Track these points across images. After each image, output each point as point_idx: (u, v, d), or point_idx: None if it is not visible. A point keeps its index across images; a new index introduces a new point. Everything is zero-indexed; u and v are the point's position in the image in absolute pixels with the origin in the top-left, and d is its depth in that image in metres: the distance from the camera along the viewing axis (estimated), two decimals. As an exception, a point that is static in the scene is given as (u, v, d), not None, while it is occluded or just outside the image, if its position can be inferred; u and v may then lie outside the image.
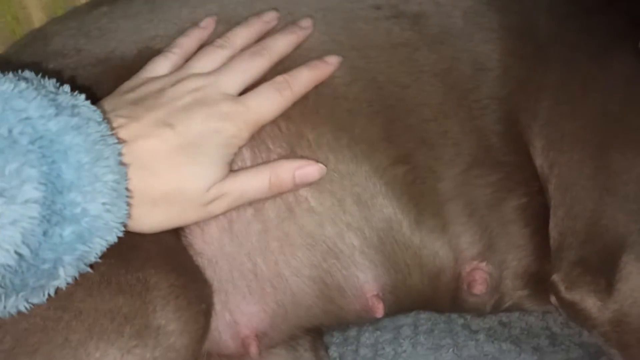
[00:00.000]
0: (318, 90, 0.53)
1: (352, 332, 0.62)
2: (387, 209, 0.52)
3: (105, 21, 0.57)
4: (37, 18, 0.70)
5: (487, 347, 0.58)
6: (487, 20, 0.57)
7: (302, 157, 0.52)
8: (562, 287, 0.51)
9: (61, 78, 0.51)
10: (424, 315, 0.62)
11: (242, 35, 0.53)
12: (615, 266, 0.49)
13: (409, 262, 0.53)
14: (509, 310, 0.58)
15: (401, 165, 0.53)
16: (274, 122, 0.51)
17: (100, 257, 0.40)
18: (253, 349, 0.52)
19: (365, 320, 0.57)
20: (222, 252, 0.51)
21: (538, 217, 0.54)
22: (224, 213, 0.48)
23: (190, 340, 0.44)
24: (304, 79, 0.51)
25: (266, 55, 0.51)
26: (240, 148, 0.49)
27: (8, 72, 0.53)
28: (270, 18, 0.54)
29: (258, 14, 0.55)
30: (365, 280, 0.53)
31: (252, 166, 0.50)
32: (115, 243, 0.41)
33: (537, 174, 0.55)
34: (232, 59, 0.51)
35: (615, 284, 0.48)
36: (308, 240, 0.52)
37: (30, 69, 0.53)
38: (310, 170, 0.50)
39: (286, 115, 0.51)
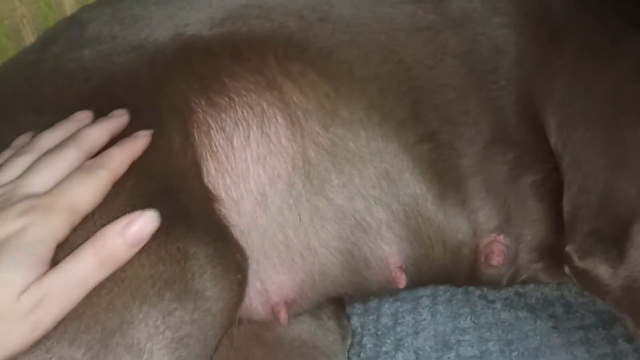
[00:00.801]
0: (352, 71, 0.55)
1: (373, 303, 0.65)
2: (414, 184, 0.55)
3: (138, 9, 0.59)
4: (69, 5, 0.73)
5: (503, 314, 0.60)
6: (504, 5, 0.60)
7: (335, 134, 0.53)
8: (575, 257, 0.53)
9: (95, 63, 0.54)
10: (442, 287, 0.64)
11: (48, 138, 0.48)
12: (626, 236, 0.51)
13: (432, 236, 0.55)
14: (524, 282, 0.61)
15: (427, 142, 0.55)
16: (310, 98, 0.54)
17: None
18: (282, 316, 0.54)
19: (387, 291, 0.60)
20: (255, 224, 0.53)
21: (553, 193, 0.56)
22: (58, 319, 0.41)
23: (225, 306, 0.46)
24: (116, 156, 0.47)
25: (72, 145, 0.46)
26: (59, 242, 0.42)
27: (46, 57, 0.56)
28: (81, 117, 0.50)
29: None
30: (390, 253, 0.55)
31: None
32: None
33: (551, 152, 0.58)
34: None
35: (626, 252, 0.50)
36: (337, 213, 0.54)
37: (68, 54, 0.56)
38: (141, 224, 0.43)
39: (323, 92, 0.53)
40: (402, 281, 0.55)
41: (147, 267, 0.43)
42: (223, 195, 0.52)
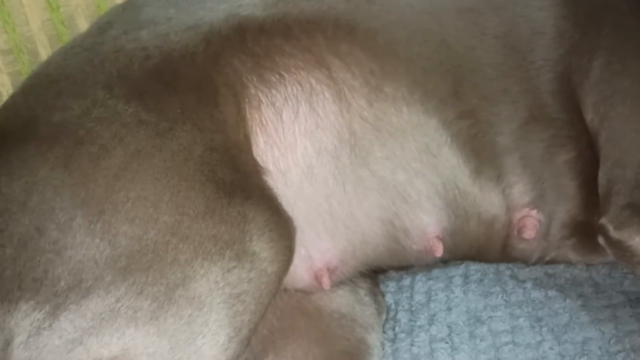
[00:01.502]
0: (397, 50, 0.58)
1: (406, 282, 0.68)
2: (452, 158, 0.58)
3: None
4: (120, -6, 0.77)
5: (534, 293, 0.62)
6: None
7: (379, 109, 0.57)
8: (610, 227, 0.55)
9: (153, 42, 0.58)
10: (473, 267, 0.67)
11: None
12: None
13: (468, 208, 0.58)
14: (553, 261, 0.64)
15: (466, 119, 0.58)
16: (356, 75, 0.56)
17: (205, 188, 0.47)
18: (325, 282, 0.57)
19: (423, 261, 0.63)
20: (301, 195, 0.56)
21: (586, 171, 0.59)
22: None
23: (279, 268, 0.50)
24: None
25: None
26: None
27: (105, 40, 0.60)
28: None
29: None
30: (428, 223, 0.58)
31: None
32: (219, 179, 0.47)
33: (586, 130, 0.60)
34: None
35: None
36: (380, 185, 0.57)
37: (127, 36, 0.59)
38: None
39: (369, 70, 0.57)
40: (439, 250, 0.59)
41: (211, 227, 0.47)
42: (271, 167, 0.55)
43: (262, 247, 0.48)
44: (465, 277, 0.66)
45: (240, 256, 0.47)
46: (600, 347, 0.56)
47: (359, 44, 0.57)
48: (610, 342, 0.56)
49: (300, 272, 0.57)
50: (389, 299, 0.67)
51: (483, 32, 0.60)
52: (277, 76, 0.56)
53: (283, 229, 0.51)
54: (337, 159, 0.56)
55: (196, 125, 0.52)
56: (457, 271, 0.67)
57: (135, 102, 0.52)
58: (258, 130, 0.55)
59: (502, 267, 0.66)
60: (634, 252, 0.54)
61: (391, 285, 0.68)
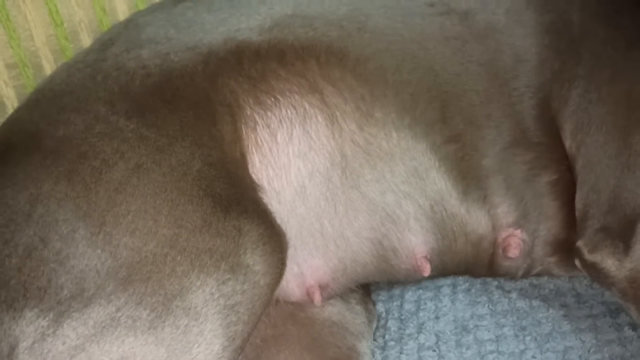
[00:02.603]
0: (386, 77, 0.61)
1: (397, 291, 0.70)
2: (440, 181, 0.60)
3: (190, 14, 0.65)
4: (122, 10, 0.79)
5: (518, 303, 0.65)
6: (527, 17, 0.65)
7: (369, 133, 0.59)
8: (585, 251, 0.58)
9: (154, 61, 0.60)
10: (461, 278, 0.69)
11: None
12: (632, 232, 0.56)
13: (455, 229, 0.61)
14: (538, 275, 0.66)
15: (453, 143, 0.61)
16: (348, 101, 0.59)
17: (202, 202, 0.49)
18: (317, 298, 0.60)
19: (412, 279, 0.65)
20: (293, 213, 0.58)
21: (566, 192, 0.62)
22: None
23: (271, 281, 0.52)
24: None
25: None
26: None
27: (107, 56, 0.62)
28: None
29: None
30: (416, 243, 0.61)
31: None
32: (216, 194, 0.49)
33: (566, 154, 0.62)
34: None
35: (632, 247, 0.55)
36: (370, 206, 0.59)
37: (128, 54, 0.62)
38: None
39: (360, 95, 0.59)
40: (426, 270, 0.61)
41: (207, 240, 0.49)
42: (266, 185, 0.58)
43: (255, 260, 0.51)
44: (454, 286, 0.69)
45: (234, 269, 0.49)
46: (580, 356, 0.59)
47: (350, 70, 0.60)
48: (590, 351, 0.59)
49: (292, 287, 0.60)
50: (380, 307, 0.69)
51: (468, 59, 0.63)
52: (273, 99, 0.58)
53: (276, 242, 0.53)
54: (328, 181, 0.59)
55: (194, 142, 0.54)
56: (445, 281, 0.70)
57: (136, 118, 0.55)
58: (254, 149, 0.58)
59: (489, 278, 0.69)
60: (606, 274, 0.56)
61: (382, 294, 0.71)
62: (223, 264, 0.49)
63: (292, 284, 0.60)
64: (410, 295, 0.69)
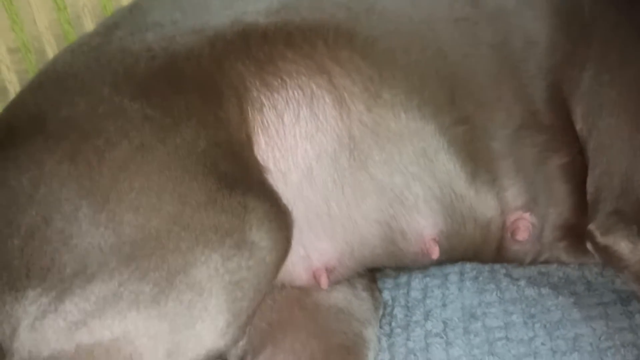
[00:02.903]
0: (395, 58, 0.60)
1: (403, 279, 0.69)
2: (449, 163, 0.59)
3: None
4: (126, -5, 0.79)
5: (527, 291, 0.64)
6: (537, 1, 0.64)
7: (377, 114, 0.58)
8: (597, 234, 0.57)
9: (159, 44, 0.59)
10: (469, 265, 0.68)
11: None
12: None
13: (464, 212, 0.60)
14: (547, 262, 0.65)
15: (462, 125, 0.60)
16: (356, 82, 0.58)
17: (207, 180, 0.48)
18: (323, 281, 0.59)
19: (420, 263, 0.64)
20: (300, 195, 0.57)
21: (578, 176, 0.61)
22: None
23: (277, 258, 0.51)
24: None
25: None
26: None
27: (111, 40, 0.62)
28: None
29: None
30: (425, 226, 0.60)
31: None
32: (221, 172, 0.49)
33: (577, 137, 0.62)
34: None
35: None
36: (378, 188, 0.58)
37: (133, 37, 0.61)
38: None
39: (368, 76, 0.58)
40: (435, 252, 0.60)
41: (212, 217, 0.48)
42: (272, 167, 0.57)
43: (261, 237, 0.50)
44: (461, 274, 0.68)
45: (240, 245, 0.49)
46: (591, 344, 0.57)
47: (358, 51, 0.59)
48: (601, 339, 0.57)
49: (298, 270, 0.59)
50: (386, 295, 0.68)
51: (478, 41, 0.62)
52: (280, 80, 0.58)
53: (282, 220, 0.52)
54: (336, 162, 0.58)
55: (200, 122, 0.53)
56: (453, 269, 0.68)
57: (140, 99, 0.54)
58: (260, 131, 0.57)
59: (497, 265, 0.68)
60: (620, 257, 0.55)
61: (388, 282, 0.70)
62: (228, 240, 0.48)
63: (298, 267, 0.59)
64: (417, 283, 0.68)
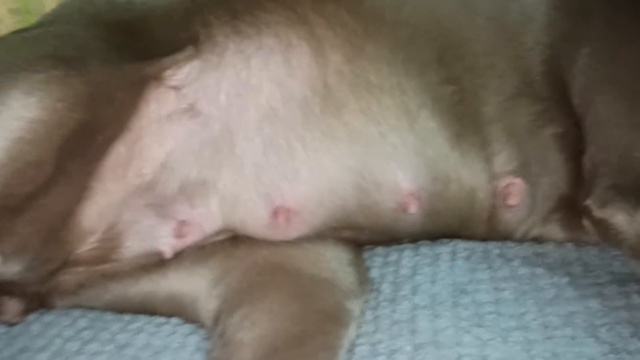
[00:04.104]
0: (384, 15, 0.60)
1: (393, 257, 0.67)
2: (432, 120, 0.58)
3: None
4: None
5: (521, 270, 0.61)
6: None
7: (357, 66, 0.57)
8: (594, 207, 0.55)
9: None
10: (462, 245, 0.66)
11: None
12: None
13: (448, 172, 0.58)
14: (541, 238, 0.63)
15: (449, 85, 0.59)
16: (338, 34, 0.57)
17: None
18: (281, 222, 0.57)
19: (401, 223, 0.62)
20: (259, 132, 0.57)
21: (572, 146, 0.60)
22: None
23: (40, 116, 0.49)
24: None
25: None
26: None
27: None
28: None
29: None
30: (402, 179, 0.58)
31: None
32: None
33: (573, 111, 0.60)
34: None
35: None
36: (352, 135, 0.58)
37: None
38: None
39: (353, 30, 0.57)
40: (413, 207, 0.58)
41: None
42: (223, 99, 0.57)
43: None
44: (453, 254, 0.66)
45: None
46: (584, 320, 0.55)
47: (345, 6, 0.59)
48: (596, 316, 0.55)
49: (259, 209, 0.57)
50: (375, 272, 0.65)
51: (474, 12, 0.63)
52: (255, 29, 0.58)
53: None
54: (306, 107, 0.57)
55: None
56: (444, 248, 0.66)
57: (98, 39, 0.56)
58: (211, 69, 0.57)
59: (491, 245, 0.66)
60: (617, 230, 0.53)
61: (378, 261, 0.67)
62: None
63: (259, 205, 0.58)
64: (406, 261, 0.66)
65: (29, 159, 0.49)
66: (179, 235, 0.57)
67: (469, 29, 0.62)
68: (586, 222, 0.57)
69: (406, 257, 0.66)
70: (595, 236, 0.57)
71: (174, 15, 0.59)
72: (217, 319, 0.57)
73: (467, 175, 0.59)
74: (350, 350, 0.55)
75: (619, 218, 0.53)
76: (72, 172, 0.52)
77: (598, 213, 0.55)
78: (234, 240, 0.61)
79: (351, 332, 0.56)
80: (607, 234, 0.55)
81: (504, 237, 0.64)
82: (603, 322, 0.54)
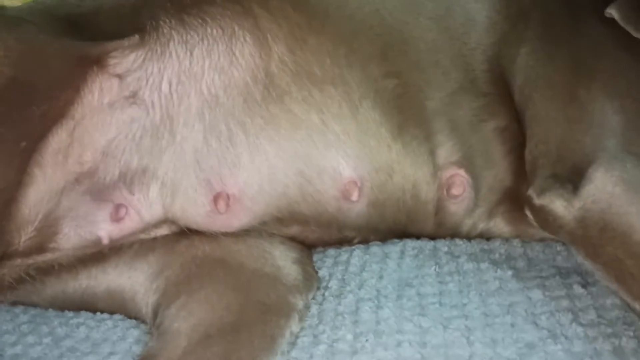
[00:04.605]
0: (328, 10, 0.62)
1: (343, 257, 0.67)
2: (374, 111, 0.60)
3: None
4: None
5: (466, 265, 0.62)
6: None
7: (300, 57, 0.59)
8: (534, 195, 0.56)
9: None
10: (410, 244, 0.66)
11: None
12: (581, 177, 0.54)
13: (390, 163, 0.59)
14: (488, 234, 0.64)
15: (392, 79, 0.61)
16: (282, 27, 0.59)
17: None
18: (222, 208, 0.57)
19: (345, 213, 0.62)
20: (200, 118, 0.58)
21: (513, 139, 0.62)
22: None
23: None
24: None
25: None
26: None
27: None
28: None
29: None
30: (345, 167, 0.59)
31: None
32: None
33: (514, 107, 0.62)
34: None
35: (581, 188, 0.53)
36: (294, 122, 0.58)
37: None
38: None
39: (296, 23, 0.59)
40: (355, 195, 0.58)
41: None
42: (165, 87, 0.58)
43: None
44: (402, 252, 0.66)
45: None
46: (525, 310, 0.55)
47: (290, 1, 0.61)
48: (536, 305, 0.55)
49: (199, 196, 0.58)
50: (324, 272, 0.65)
51: (418, 12, 0.65)
52: (200, 20, 0.60)
53: None
54: (248, 95, 0.58)
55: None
56: (394, 248, 0.67)
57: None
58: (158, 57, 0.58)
59: (439, 244, 0.66)
60: (555, 216, 0.54)
61: (328, 261, 0.67)
62: None
63: (199, 192, 0.58)
64: (356, 260, 0.66)
65: None
66: (115, 219, 0.56)
67: (414, 27, 0.64)
68: (528, 212, 0.57)
69: (356, 256, 0.66)
70: (538, 227, 0.57)
71: (121, 10, 0.60)
72: (155, 312, 0.56)
73: (410, 166, 0.60)
74: (292, 342, 0.55)
75: (557, 204, 0.54)
76: (9, 140, 0.52)
77: (538, 201, 0.55)
78: (175, 235, 0.60)
79: (292, 323, 0.55)
80: (546, 222, 0.55)
81: (452, 231, 0.64)
82: (543, 310, 0.54)
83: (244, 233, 0.61)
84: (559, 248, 0.63)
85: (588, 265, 0.53)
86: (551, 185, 0.55)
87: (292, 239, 0.66)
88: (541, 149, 0.58)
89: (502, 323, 0.53)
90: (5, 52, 0.51)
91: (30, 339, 0.56)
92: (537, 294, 0.56)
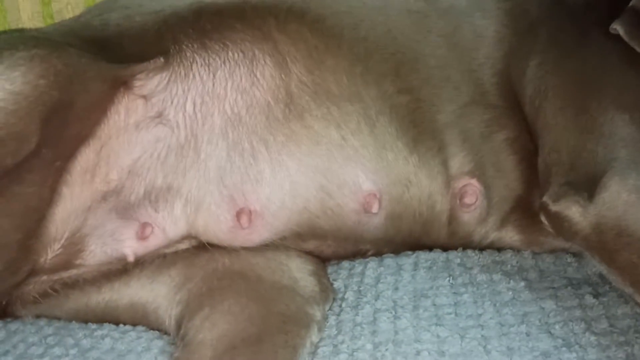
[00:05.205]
0: (343, 33, 0.64)
1: (358, 270, 0.68)
2: (390, 126, 0.62)
3: None
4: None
5: (480, 277, 0.63)
6: (487, 3, 0.70)
7: (318, 76, 0.61)
8: (549, 202, 0.58)
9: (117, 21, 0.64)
10: (423, 256, 0.68)
11: None
12: (596, 184, 0.56)
13: (408, 176, 0.61)
14: (499, 242, 0.66)
15: (406, 94, 0.63)
16: (300, 49, 0.61)
17: None
18: (245, 223, 0.59)
19: (364, 226, 0.63)
20: (223, 136, 0.60)
21: (524, 149, 0.64)
22: None
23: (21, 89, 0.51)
24: None
25: None
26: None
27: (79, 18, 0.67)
28: None
29: None
30: (364, 180, 0.61)
31: None
32: None
33: (524, 118, 0.64)
34: None
35: (596, 195, 0.55)
36: (314, 138, 0.61)
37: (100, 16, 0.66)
38: None
39: (314, 45, 0.61)
40: (374, 206, 0.60)
41: None
42: (189, 107, 0.60)
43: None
44: (415, 264, 0.68)
45: None
46: (539, 319, 0.56)
47: (307, 25, 0.63)
48: (550, 315, 0.56)
49: (223, 212, 0.59)
50: (339, 283, 0.67)
51: (428, 30, 0.67)
52: (221, 45, 0.62)
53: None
54: (269, 113, 0.61)
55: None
56: (407, 260, 0.68)
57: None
58: (183, 78, 0.60)
59: (452, 255, 0.68)
60: (570, 222, 0.55)
61: (343, 274, 0.69)
62: None
63: (222, 209, 0.59)
64: (370, 272, 0.67)
65: (10, 129, 0.51)
66: (141, 237, 0.58)
67: (424, 45, 0.66)
68: (543, 218, 0.59)
69: (370, 268, 0.68)
70: (552, 235, 0.59)
71: (145, 34, 0.62)
72: (179, 324, 0.57)
73: (426, 177, 0.62)
74: (313, 352, 0.56)
75: (572, 210, 0.55)
76: (47, 159, 0.53)
77: (553, 207, 0.57)
78: (195, 249, 0.62)
79: (312, 333, 0.57)
80: (562, 228, 0.57)
81: (464, 241, 0.66)
82: (557, 320, 0.56)
83: (262, 246, 0.63)
84: (569, 260, 0.65)
85: (603, 269, 0.54)
86: (566, 192, 0.57)
87: (308, 253, 0.67)
88: (554, 158, 0.60)
89: (517, 332, 0.55)
90: (55, 77, 0.53)
91: (57, 351, 0.57)
92: (550, 304, 0.58)
